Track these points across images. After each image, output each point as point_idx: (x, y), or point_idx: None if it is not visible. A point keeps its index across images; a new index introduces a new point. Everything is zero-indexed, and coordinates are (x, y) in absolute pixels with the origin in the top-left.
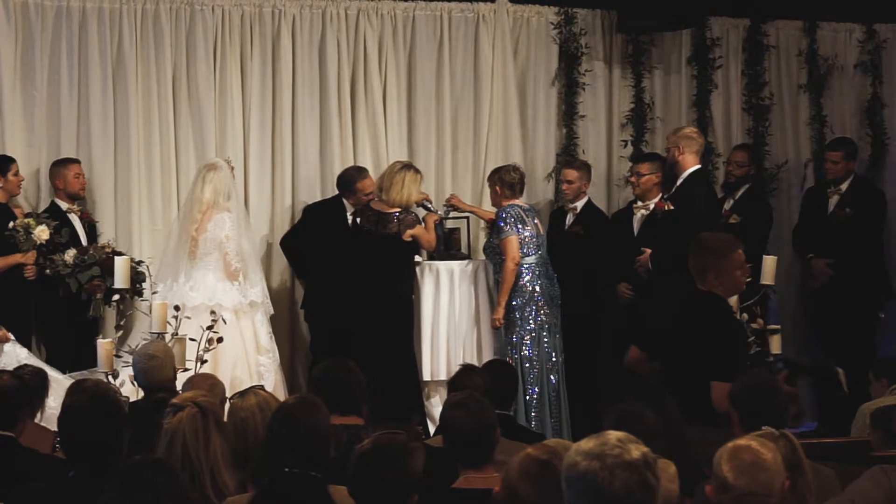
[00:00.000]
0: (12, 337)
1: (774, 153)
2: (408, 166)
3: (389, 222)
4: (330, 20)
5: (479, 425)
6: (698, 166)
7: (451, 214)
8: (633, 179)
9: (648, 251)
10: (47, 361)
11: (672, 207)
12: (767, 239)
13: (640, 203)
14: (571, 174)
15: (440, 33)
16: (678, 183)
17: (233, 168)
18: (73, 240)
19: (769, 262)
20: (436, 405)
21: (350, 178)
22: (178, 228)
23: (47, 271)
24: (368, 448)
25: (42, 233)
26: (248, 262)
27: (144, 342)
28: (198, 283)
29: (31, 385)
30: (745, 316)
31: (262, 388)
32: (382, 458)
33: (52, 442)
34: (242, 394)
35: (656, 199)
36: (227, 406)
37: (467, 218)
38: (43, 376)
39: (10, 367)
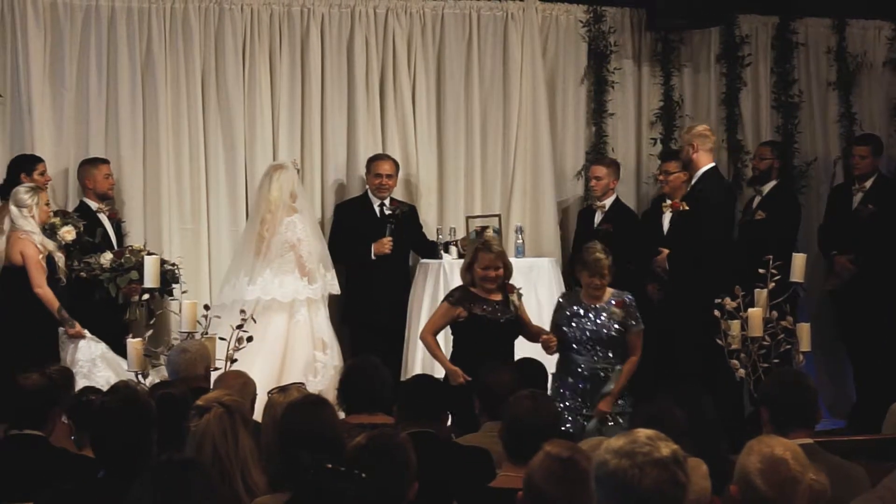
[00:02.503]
0: (87, 333)
1: (803, 151)
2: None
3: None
4: (359, 19)
5: (541, 421)
6: (713, 164)
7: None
8: (661, 178)
9: (666, 251)
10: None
11: (687, 207)
12: (796, 236)
13: (668, 202)
14: (600, 171)
15: (469, 32)
16: (693, 182)
17: (299, 170)
18: (105, 240)
19: (798, 260)
20: None
21: (370, 157)
22: (248, 228)
23: (83, 274)
24: (363, 443)
25: (67, 234)
26: (314, 261)
27: (176, 341)
28: (256, 279)
29: (59, 384)
30: (775, 313)
31: (302, 384)
32: (377, 452)
33: (70, 433)
34: (283, 389)
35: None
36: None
37: (498, 216)
38: (69, 375)
39: (86, 363)
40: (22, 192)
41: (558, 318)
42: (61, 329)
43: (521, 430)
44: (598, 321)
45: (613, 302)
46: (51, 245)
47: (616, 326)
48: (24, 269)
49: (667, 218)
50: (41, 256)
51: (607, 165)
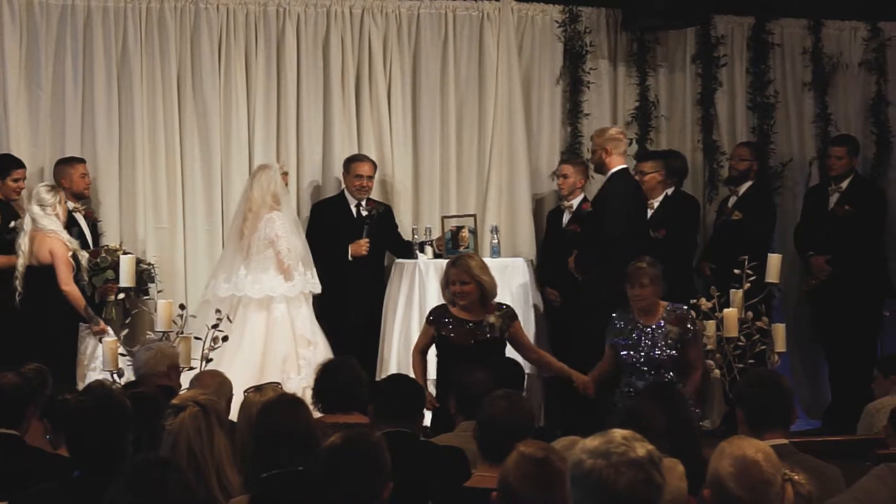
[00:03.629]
0: (111, 330)
1: (779, 151)
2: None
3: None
4: (334, 18)
5: (517, 421)
6: (623, 166)
7: (455, 214)
8: (637, 178)
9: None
10: (53, 361)
11: (591, 208)
12: (772, 237)
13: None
14: (567, 169)
15: (445, 32)
16: (603, 184)
17: (286, 173)
18: (80, 240)
19: (774, 261)
20: None
21: (347, 158)
22: (231, 226)
23: None
24: (337, 442)
25: None
26: (293, 258)
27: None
28: (230, 277)
29: (34, 383)
30: (750, 314)
31: (278, 384)
32: (351, 451)
33: (43, 432)
34: (259, 388)
35: (660, 198)
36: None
37: (474, 216)
38: (45, 373)
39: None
40: (43, 191)
41: (612, 338)
42: (82, 325)
43: (495, 431)
44: (656, 346)
45: (668, 318)
46: (75, 243)
47: (673, 347)
48: (50, 267)
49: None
50: (69, 254)
51: (574, 164)
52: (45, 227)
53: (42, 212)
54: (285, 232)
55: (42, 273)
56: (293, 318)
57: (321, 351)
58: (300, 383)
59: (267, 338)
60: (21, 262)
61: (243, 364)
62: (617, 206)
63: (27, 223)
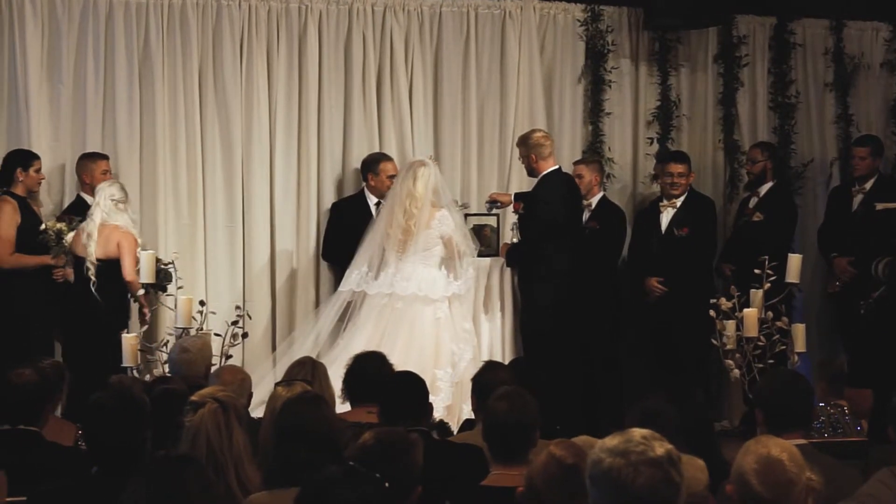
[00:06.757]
0: (148, 317)
1: (800, 152)
2: None
3: None
4: (356, 16)
5: (518, 420)
6: (554, 167)
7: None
8: (669, 180)
9: (507, 244)
10: (67, 357)
11: (523, 211)
12: (792, 237)
13: (665, 201)
14: (581, 169)
15: (467, 30)
16: (534, 185)
17: (436, 163)
18: None
19: (794, 261)
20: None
21: (374, 158)
22: (384, 219)
23: (70, 268)
24: (371, 442)
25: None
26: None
27: (170, 337)
28: (409, 274)
29: (51, 379)
30: (770, 314)
31: (310, 382)
32: (385, 451)
33: (75, 435)
34: (289, 383)
35: (682, 197)
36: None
37: (497, 215)
38: (62, 369)
39: None
40: (116, 189)
41: None
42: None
43: (499, 431)
44: None
45: None
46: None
47: None
48: (116, 261)
49: (665, 217)
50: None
51: (587, 164)
52: (115, 222)
53: (115, 207)
54: (454, 229)
55: (110, 266)
56: (453, 315)
57: (469, 347)
58: (454, 378)
59: (437, 334)
60: (91, 252)
61: (419, 358)
62: (546, 203)
63: (96, 216)
